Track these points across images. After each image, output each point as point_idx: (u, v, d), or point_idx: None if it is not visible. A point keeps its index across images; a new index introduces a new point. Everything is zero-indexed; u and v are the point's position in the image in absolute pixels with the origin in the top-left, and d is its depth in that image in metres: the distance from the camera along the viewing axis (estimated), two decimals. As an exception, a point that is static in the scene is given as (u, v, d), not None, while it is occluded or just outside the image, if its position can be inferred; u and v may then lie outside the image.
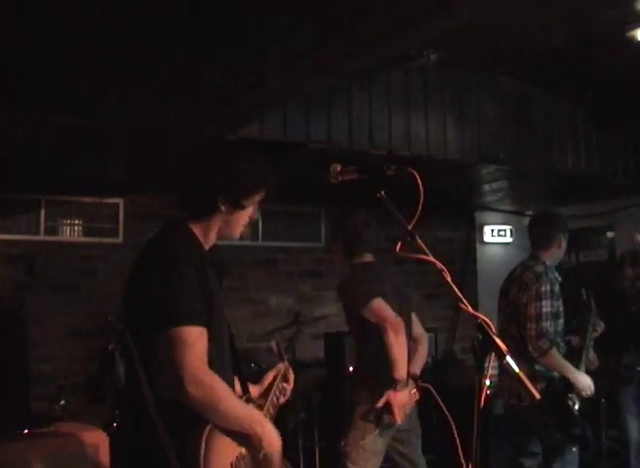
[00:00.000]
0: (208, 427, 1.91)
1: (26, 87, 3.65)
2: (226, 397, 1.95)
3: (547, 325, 3.69)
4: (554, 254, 4.03)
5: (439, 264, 1.80)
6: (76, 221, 5.88)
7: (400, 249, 1.85)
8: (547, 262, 3.96)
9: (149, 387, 1.93)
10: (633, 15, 3.95)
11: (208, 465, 1.87)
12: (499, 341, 1.66)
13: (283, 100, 4.18)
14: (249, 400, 2.21)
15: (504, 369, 1.68)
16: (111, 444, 3.67)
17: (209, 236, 2.19)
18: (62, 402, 4.20)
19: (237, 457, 2.00)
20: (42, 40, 3.14)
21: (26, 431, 3.77)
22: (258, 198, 2.23)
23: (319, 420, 4.94)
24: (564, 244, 4.05)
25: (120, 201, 5.95)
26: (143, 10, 2.81)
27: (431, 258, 1.80)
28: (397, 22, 2.86)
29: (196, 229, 2.15)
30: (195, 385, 1.87)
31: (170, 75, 3.48)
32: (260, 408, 2.28)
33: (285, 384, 2.54)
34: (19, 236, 5.60)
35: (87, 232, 5.87)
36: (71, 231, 5.88)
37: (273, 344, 2.93)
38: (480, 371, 1.69)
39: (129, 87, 3.67)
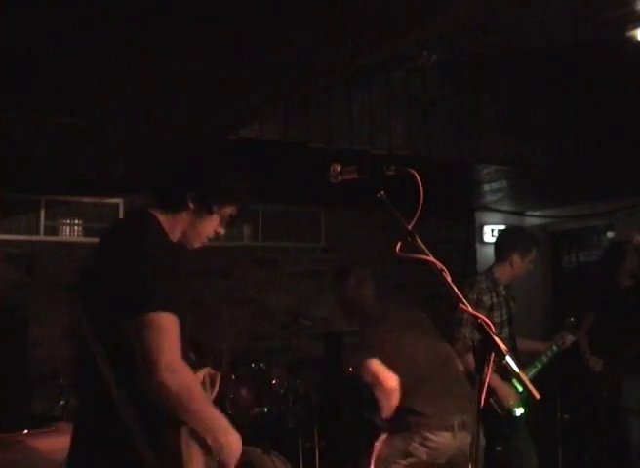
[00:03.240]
0: (184, 428, 1.85)
1: (26, 87, 3.65)
2: (200, 394, 1.90)
3: (466, 331, 3.81)
4: (507, 272, 4.08)
5: (439, 264, 1.80)
6: (76, 221, 5.88)
7: (400, 249, 1.85)
8: (499, 278, 4.07)
9: (116, 382, 1.87)
10: (633, 15, 3.95)
11: None
12: (498, 341, 1.66)
13: (283, 100, 4.17)
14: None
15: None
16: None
17: (174, 231, 2.14)
18: (62, 402, 4.20)
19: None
20: (42, 40, 3.14)
21: (26, 431, 3.77)
22: (228, 210, 2.19)
23: (319, 420, 4.94)
24: (518, 264, 4.05)
25: (120, 201, 5.95)
26: (143, 10, 2.81)
27: (431, 258, 1.80)
28: (397, 23, 2.86)
29: (162, 220, 2.12)
30: (171, 372, 1.79)
31: (170, 75, 3.48)
32: None
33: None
34: (19, 236, 5.60)
35: (87, 232, 5.87)
36: (71, 231, 5.88)
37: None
38: (480, 371, 1.69)
39: (129, 87, 3.67)
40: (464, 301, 1.75)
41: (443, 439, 3.32)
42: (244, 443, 2.15)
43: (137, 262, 1.91)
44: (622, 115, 5.58)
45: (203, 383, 2.27)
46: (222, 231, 2.22)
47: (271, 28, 2.93)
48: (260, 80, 3.54)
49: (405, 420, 3.37)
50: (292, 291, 6.61)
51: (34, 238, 5.64)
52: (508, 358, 1.65)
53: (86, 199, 5.85)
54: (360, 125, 4.80)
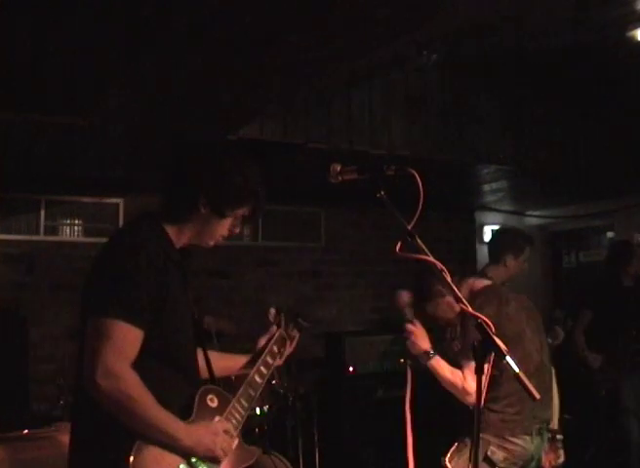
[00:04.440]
0: (137, 443, 1.83)
1: (26, 87, 3.65)
2: (143, 399, 1.84)
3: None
4: (502, 273, 3.93)
5: (439, 264, 1.80)
6: (76, 221, 5.88)
7: (400, 249, 1.85)
8: (494, 279, 3.81)
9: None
10: (633, 15, 3.95)
11: None
12: (498, 341, 1.66)
13: (283, 100, 4.17)
14: (210, 391, 2.11)
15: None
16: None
17: (182, 236, 2.10)
18: (62, 402, 4.19)
19: None
20: (42, 40, 3.14)
21: (26, 431, 3.77)
22: (241, 212, 2.13)
23: (319, 420, 4.94)
24: (512, 264, 3.92)
25: (120, 201, 5.95)
26: (143, 10, 2.81)
27: (431, 258, 1.81)
28: (396, 23, 2.86)
29: (169, 226, 2.08)
30: (106, 378, 1.79)
31: (170, 75, 3.48)
32: (235, 384, 2.25)
33: (279, 347, 2.55)
34: (19, 236, 5.60)
35: (87, 232, 5.87)
36: (71, 231, 5.88)
37: (272, 310, 2.73)
38: (480, 371, 1.69)
39: (129, 87, 3.67)
40: (464, 301, 1.75)
41: (522, 442, 3.14)
42: (244, 442, 2.14)
43: (114, 268, 1.91)
44: (623, 115, 5.58)
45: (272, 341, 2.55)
46: (238, 230, 2.18)
47: (271, 28, 2.93)
48: (260, 80, 3.54)
49: (485, 420, 3.07)
50: (292, 291, 6.61)
51: (34, 238, 5.64)
52: (508, 358, 1.65)
53: (86, 199, 5.85)
54: (360, 125, 4.80)
